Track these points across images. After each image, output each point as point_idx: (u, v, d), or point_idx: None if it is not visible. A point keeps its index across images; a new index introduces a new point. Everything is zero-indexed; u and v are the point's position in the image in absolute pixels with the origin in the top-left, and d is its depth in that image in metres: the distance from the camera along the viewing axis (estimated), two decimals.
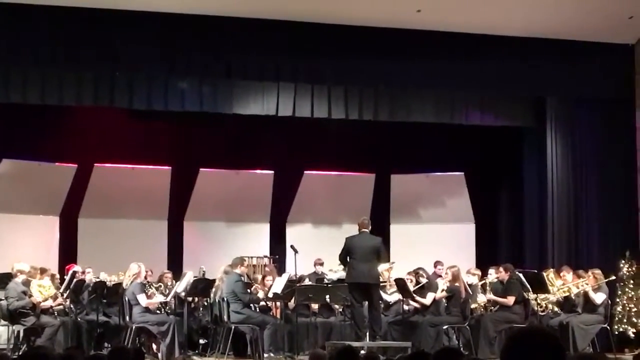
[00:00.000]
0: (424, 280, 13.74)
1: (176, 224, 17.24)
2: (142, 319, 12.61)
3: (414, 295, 13.54)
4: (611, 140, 15.70)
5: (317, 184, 17.58)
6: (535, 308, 13.34)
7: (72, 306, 12.96)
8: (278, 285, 13.27)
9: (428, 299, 13.48)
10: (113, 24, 13.89)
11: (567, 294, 13.22)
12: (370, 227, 12.63)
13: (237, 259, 13.44)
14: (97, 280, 13.58)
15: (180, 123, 16.40)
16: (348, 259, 12.42)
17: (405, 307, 13.69)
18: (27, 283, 12.60)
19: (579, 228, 15.54)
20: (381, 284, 13.31)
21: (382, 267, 13.51)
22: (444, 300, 13.53)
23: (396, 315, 13.85)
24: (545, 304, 13.52)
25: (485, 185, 17.62)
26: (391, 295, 14.02)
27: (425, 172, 17.70)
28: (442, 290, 13.53)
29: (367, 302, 12.53)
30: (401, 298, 13.71)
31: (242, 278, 13.26)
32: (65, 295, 12.94)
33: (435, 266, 14.32)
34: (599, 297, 13.04)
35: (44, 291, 12.51)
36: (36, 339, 12.26)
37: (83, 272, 13.83)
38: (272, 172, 17.52)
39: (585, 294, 13.08)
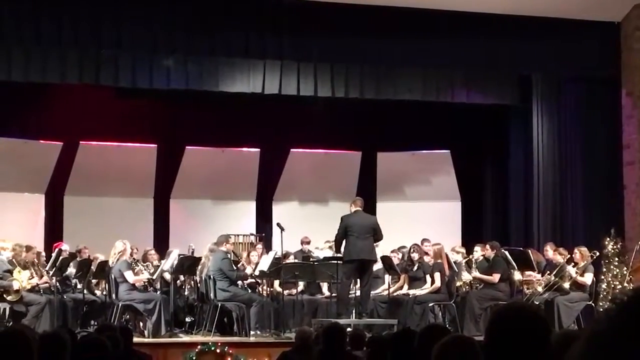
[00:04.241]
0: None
1: (162, 201, 17.22)
2: (129, 296, 12.62)
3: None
4: (597, 118, 15.72)
5: (303, 162, 17.56)
6: (521, 287, 13.42)
7: (57, 284, 12.94)
8: (264, 262, 13.30)
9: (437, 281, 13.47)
10: (98, 1, 13.82)
11: (560, 282, 13.29)
12: (363, 207, 12.84)
13: (222, 236, 13.49)
14: (82, 259, 13.57)
15: (165, 101, 16.35)
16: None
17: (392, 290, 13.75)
18: (12, 263, 12.56)
19: (565, 206, 15.57)
20: None
21: None
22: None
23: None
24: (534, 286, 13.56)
25: (471, 163, 17.64)
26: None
27: (411, 150, 17.70)
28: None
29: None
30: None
31: (228, 255, 13.30)
32: (51, 273, 12.92)
33: (422, 244, 14.34)
34: (588, 278, 13.14)
35: (24, 282, 12.44)
36: (22, 317, 12.24)
37: (79, 251, 13.87)
38: (259, 150, 17.51)
39: (575, 282, 13.15)
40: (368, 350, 7.27)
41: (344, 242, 12.79)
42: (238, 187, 17.36)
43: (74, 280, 13.48)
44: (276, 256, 13.52)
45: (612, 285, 14.65)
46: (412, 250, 13.91)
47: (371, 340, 7.60)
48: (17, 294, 12.28)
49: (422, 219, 16.98)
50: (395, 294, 13.71)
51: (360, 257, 12.52)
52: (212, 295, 12.89)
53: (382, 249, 14.31)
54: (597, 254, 13.61)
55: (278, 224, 13.61)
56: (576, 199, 15.61)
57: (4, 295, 12.30)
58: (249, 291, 13.53)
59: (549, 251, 13.77)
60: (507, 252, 13.47)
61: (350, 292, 13.20)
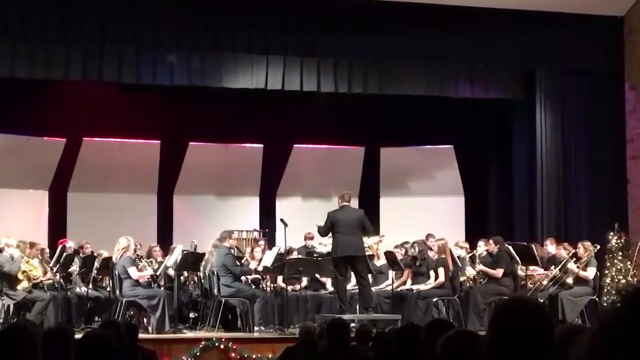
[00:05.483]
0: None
1: (166, 197, 17.23)
2: (133, 292, 12.63)
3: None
4: (600, 112, 15.72)
5: (306, 158, 17.56)
6: (524, 281, 13.42)
7: (62, 281, 12.96)
8: (268, 258, 13.30)
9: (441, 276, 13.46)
10: None
11: (564, 277, 13.30)
12: (351, 201, 12.78)
13: (225, 232, 13.49)
14: (86, 255, 13.59)
15: (169, 97, 16.34)
16: (331, 233, 12.52)
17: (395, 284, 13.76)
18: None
19: (568, 200, 15.57)
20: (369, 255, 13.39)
21: (371, 240, 13.58)
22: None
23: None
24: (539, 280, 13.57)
25: (475, 158, 17.63)
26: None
27: (414, 145, 17.69)
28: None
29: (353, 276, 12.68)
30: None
31: (232, 251, 13.30)
32: (55, 269, 12.94)
33: (426, 239, 14.33)
34: (591, 273, 13.14)
35: (33, 271, 12.46)
36: (26, 313, 12.27)
37: (81, 247, 13.89)
38: (262, 145, 17.50)
39: (578, 276, 13.16)
40: (374, 345, 7.26)
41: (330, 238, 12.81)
42: (241, 182, 17.37)
43: (75, 277, 13.50)
44: (280, 252, 13.52)
45: (616, 280, 14.65)
46: (411, 247, 13.93)
47: (377, 335, 7.59)
48: (29, 281, 12.31)
49: (426, 214, 16.97)
50: (399, 289, 13.71)
51: (345, 254, 12.45)
52: (215, 291, 12.89)
53: (385, 244, 14.33)
54: (598, 247, 13.61)
55: (281, 220, 13.62)
56: (580, 193, 15.61)
57: (16, 287, 12.31)
58: (253, 287, 13.54)
59: (549, 246, 13.80)
60: (510, 247, 13.46)
61: (354, 288, 13.21)
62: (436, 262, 13.46)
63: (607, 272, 14.59)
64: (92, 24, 13.76)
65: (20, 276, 12.36)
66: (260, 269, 13.54)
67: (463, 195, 17.65)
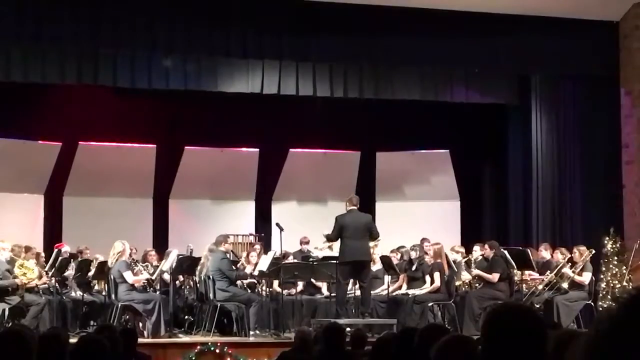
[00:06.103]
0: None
1: (161, 202, 17.21)
2: (128, 297, 12.61)
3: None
4: (596, 117, 15.73)
5: (302, 162, 17.56)
6: (517, 285, 13.43)
7: (57, 285, 12.95)
8: (264, 262, 13.29)
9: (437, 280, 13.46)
10: (97, 1, 13.81)
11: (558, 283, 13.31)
12: (358, 204, 12.79)
13: (221, 236, 13.49)
14: (81, 259, 13.58)
15: (164, 101, 16.33)
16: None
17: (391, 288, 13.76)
18: (12, 262, 12.56)
19: (564, 205, 15.58)
20: None
21: None
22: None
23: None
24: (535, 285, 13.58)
25: (471, 162, 17.64)
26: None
27: (410, 149, 17.70)
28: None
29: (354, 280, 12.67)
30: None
31: (227, 255, 13.30)
32: (50, 274, 12.92)
33: (422, 243, 14.35)
34: (586, 277, 13.16)
35: (28, 273, 12.45)
36: (21, 318, 12.24)
37: (81, 252, 13.89)
38: (258, 150, 17.50)
39: (573, 281, 13.17)
40: (370, 350, 7.26)
41: (338, 242, 12.82)
42: (237, 187, 17.36)
43: (70, 282, 13.49)
44: (275, 256, 13.51)
45: (612, 285, 14.67)
46: (410, 250, 13.93)
47: (378, 341, 7.59)
48: (22, 288, 12.30)
49: (422, 218, 16.98)
50: (394, 293, 13.71)
51: (354, 259, 12.48)
52: (211, 295, 12.89)
53: (381, 249, 14.33)
54: (593, 251, 13.63)
55: (277, 224, 13.61)
56: (575, 198, 15.61)
57: (10, 295, 12.29)
58: (248, 291, 13.53)
59: (543, 251, 13.82)
60: (506, 252, 13.47)
61: (349, 292, 13.22)
62: (432, 266, 13.46)
63: (602, 276, 14.61)
64: (87, 27, 13.73)
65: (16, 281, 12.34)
66: (255, 273, 13.52)
67: (459, 199, 17.66)
